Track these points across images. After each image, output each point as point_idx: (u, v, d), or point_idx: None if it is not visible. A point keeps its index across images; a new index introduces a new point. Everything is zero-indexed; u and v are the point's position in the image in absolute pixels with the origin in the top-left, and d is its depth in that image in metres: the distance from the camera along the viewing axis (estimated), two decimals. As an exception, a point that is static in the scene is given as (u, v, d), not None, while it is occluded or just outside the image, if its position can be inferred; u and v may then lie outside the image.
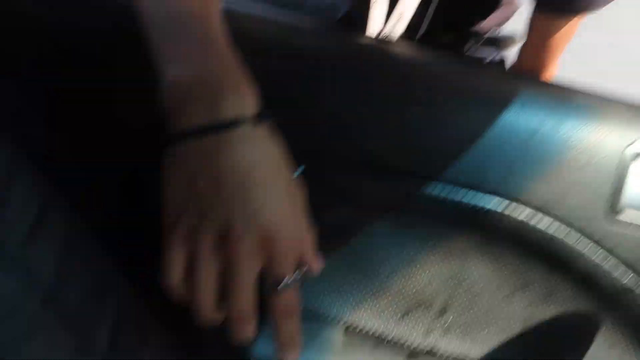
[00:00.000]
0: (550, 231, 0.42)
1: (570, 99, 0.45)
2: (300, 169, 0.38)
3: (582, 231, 0.42)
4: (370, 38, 0.56)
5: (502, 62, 0.94)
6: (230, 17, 0.45)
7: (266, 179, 0.35)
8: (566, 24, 0.68)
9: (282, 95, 0.42)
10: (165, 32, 0.36)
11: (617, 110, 0.45)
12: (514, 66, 0.83)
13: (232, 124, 0.34)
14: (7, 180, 0.32)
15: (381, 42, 0.55)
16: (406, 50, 0.50)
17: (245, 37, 0.45)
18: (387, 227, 0.45)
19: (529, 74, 0.79)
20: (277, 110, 0.35)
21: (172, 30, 0.36)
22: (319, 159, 0.44)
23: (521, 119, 0.43)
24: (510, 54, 0.88)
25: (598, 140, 0.43)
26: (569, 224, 0.42)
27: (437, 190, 0.42)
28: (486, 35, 0.89)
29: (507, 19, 0.89)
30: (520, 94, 0.43)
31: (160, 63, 0.36)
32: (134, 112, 0.44)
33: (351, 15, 0.96)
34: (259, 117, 0.36)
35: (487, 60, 0.94)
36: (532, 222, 0.42)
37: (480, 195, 0.42)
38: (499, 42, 0.90)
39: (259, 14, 0.49)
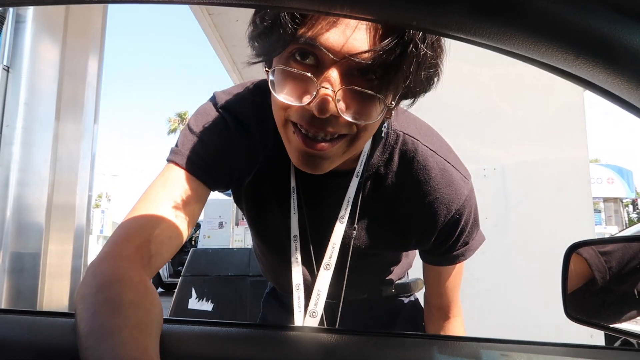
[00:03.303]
0: None
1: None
2: None
3: None
4: (299, 329, 0.62)
5: (416, 301, 1.06)
6: (171, 338, 0.52)
7: None
8: (450, 269, 0.84)
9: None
10: None
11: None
12: (425, 306, 0.95)
13: None
14: None
15: (309, 331, 0.61)
16: (330, 339, 0.57)
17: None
18: None
19: (438, 311, 0.90)
20: None
21: None
22: None
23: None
24: (420, 294, 1.00)
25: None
26: None
27: None
28: (397, 282, 1.02)
29: (408, 267, 1.04)
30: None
31: None
32: None
33: (276, 292, 1.08)
34: None
35: (405, 302, 1.05)
36: None
37: None
38: (409, 286, 1.03)
39: (193, 330, 0.56)
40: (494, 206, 1.92)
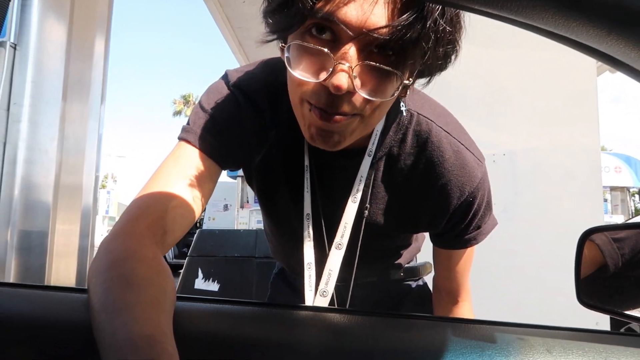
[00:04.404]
0: None
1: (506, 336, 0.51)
2: None
3: None
4: (309, 309, 0.62)
5: (425, 285, 1.06)
6: (183, 315, 0.52)
7: None
8: (461, 253, 0.83)
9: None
10: (120, 357, 0.39)
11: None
12: (434, 289, 0.95)
13: None
14: None
15: (318, 311, 0.61)
16: (343, 320, 0.56)
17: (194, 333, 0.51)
18: None
19: (447, 295, 0.90)
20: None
21: (126, 356, 0.39)
22: None
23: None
24: (429, 278, 1.00)
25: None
26: None
27: None
28: (405, 266, 1.02)
29: (417, 251, 1.03)
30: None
31: None
32: None
33: (284, 273, 1.08)
34: None
35: (413, 286, 1.05)
36: None
37: None
38: (418, 270, 1.03)
39: (205, 308, 0.56)
40: (503, 192, 1.91)
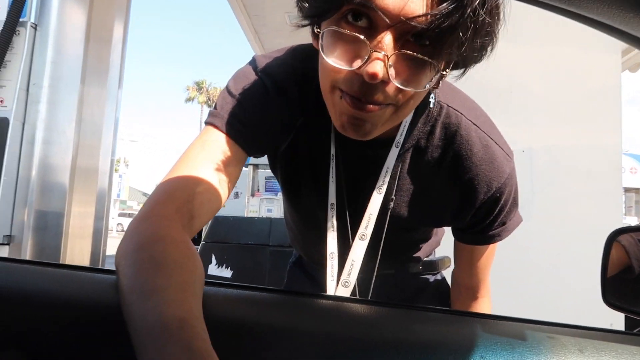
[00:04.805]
0: None
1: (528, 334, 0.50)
2: None
3: None
4: (331, 298, 0.61)
5: (443, 280, 1.05)
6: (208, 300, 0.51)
7: None
8: (484, 249, 0.82)
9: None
10: (152, 339, 0.39)
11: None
12: (453, 284, 0.94)
13: None
14: None
15: (341, 301, 0.60)
16: (367, 312, 0.56)
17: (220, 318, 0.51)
18: None
19: (466, 290, 0.89)
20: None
21: (158, 338, 0.39)
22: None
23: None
24: (448, 272, 0.99)
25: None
26: None
27: None
28: (424, 259, 1.01)
29: (436, 245, 1.02)
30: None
31: None
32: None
33: (302, 262, 1.08)
34: None
35: (431, 280, 1.04)
36: None
37: None
38: (436, 264, 1.02)
39: (231, 294, 0.56)
40: (520, 189, 1.88)
